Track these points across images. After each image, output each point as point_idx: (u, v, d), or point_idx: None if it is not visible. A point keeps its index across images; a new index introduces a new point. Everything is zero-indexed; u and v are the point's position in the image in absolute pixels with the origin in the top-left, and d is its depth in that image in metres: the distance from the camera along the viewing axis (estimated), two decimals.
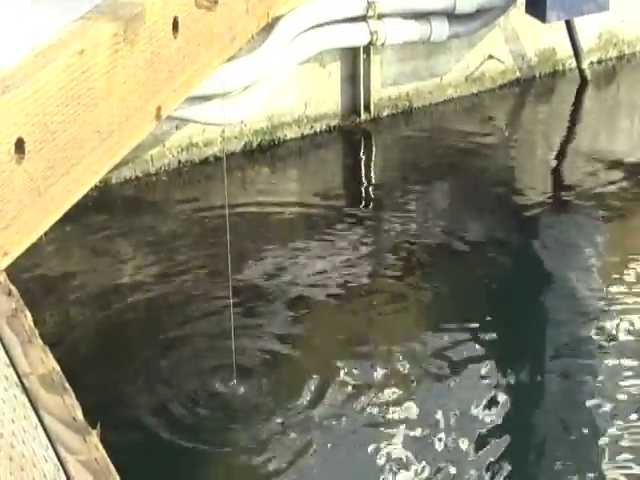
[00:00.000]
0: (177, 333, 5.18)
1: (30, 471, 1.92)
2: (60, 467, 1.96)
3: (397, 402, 4.68)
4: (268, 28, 5.96)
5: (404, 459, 4.39)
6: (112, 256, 5.81)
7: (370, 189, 6.59)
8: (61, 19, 3.95)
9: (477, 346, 5.04)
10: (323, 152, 6.88)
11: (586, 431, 4.53)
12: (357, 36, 6.64)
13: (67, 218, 3.49)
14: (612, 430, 4.51)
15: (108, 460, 2.00)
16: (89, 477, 1.94)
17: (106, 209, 6.15)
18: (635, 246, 5.82)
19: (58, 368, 2.16)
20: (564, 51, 7.54)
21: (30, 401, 2.08)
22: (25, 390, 2.10)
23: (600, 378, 4.83)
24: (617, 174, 6.49)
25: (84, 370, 4.70)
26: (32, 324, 2.29)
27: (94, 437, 2.02)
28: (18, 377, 2.14)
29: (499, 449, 4.44)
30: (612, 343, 5.03)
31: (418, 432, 4.53)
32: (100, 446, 2.02)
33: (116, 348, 5.08)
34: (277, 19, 6.06)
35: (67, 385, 2.11)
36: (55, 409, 2.05)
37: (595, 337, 5.09)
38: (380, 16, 6.64)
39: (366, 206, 6.38)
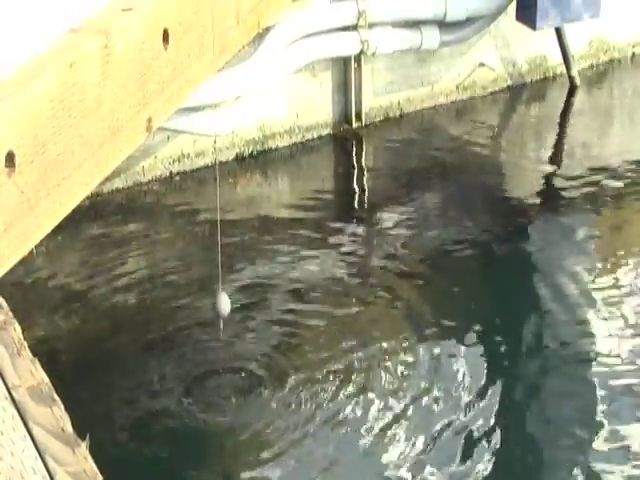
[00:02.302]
0: (166, 342, 5.19)
1: None
2: (49, 478, 1.97)
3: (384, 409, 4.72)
4: (259, 38, 5.98)
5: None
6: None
7: (362, 195, 6.61)
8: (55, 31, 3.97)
9: (470, 350, 5.07)
10: (314, 160, 6.90)
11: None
12: (348, 45, 6.67)
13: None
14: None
15: (97, 471, 2.01)
16: None
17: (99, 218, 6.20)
18: (627, 247, 5.83)
19: (47, 380, 2.17)
20: (555, 58, 7.56)
21: (19, 413, 2.09)
22: (14, 402, 2.11)
23: (589, 381, 4.86)
24: (608, 179, 6.52)
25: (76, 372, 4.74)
26: (21, 336, 2.31)
27: (83, 448, 2.03)
28: (7, 389, 2.15)
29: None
30: (602, 347, 5.06)
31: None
32: (89, 457, 2.03)
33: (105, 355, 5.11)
34: (268, 29, 6.08)
35: (56, 396, 2.12)
36: (44, 420, 2.06)
37: (588, 343, 5.12)
38: (371, 25, 6.66)
39: (359, 209, 6.44)
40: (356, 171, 6.88)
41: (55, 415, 2.07)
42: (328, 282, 5.62)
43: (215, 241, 4.85)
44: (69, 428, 2.07)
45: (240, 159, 6.73)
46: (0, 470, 1.94)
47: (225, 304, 4.65)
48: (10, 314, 2.40)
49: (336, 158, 7.04)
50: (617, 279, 5.51)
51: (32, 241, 3.44)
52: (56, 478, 1.94)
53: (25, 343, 2.28)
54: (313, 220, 6.21)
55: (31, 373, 2.19)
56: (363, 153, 6.99)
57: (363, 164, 6.93)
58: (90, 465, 1.98)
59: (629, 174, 6.56)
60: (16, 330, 2.32)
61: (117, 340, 5.23)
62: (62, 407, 2.10)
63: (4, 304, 2.44)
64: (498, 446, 4.49)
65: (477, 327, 5.22)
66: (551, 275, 5.65)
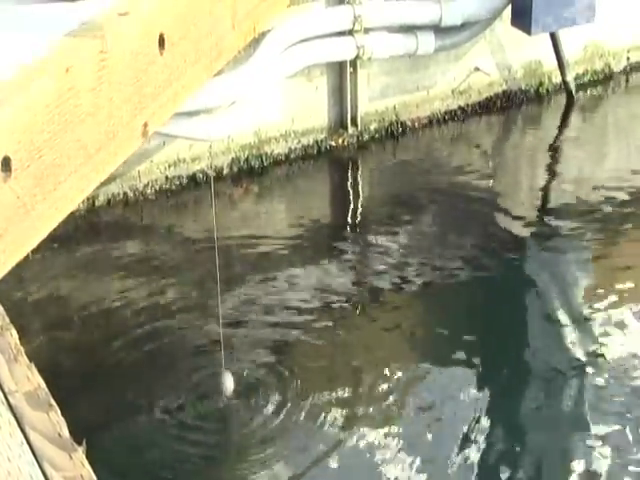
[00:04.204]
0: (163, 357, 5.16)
1: None
2: None
3: (378, 433, 4.69)
4: (255, 43, 5.98)
5: None
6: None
7: (358, 199, 6.62)
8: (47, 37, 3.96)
9: (459, 375, 5.05)
10: (310, 164, 6.90)
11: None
12: (344, 50, 6.67)
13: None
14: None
15: (94, 477, 2.01)
16: None
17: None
18: (622, 270, 5.78)
19: (44, 385, 2.17)
20: (550, 63, 7.57)
21: (16, 418, 2.09)
22: (11, 407, 2.11)
23: (582, 403, 4.85)
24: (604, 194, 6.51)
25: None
26: (18, 342, 2.31)
27: (80, 454, 2.03)
28: (4, 395, 2.14)
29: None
30: (596, 367, 5.04)
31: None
32: (86, 463, 2.03)
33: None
34: (263, 34, 6.09)
35: (53, 402, 2.12)
36: (41, 426, 2.06)
37: (578, 362, 5.09)
38: (367, 30, 6.67)
39: (353, 217, 6.46)
40: (351, 173, 6.89)
41: (52, 420, 2.07)
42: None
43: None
44: (66, 433, 2.06)
45: (236, 164, 6.74)
46: None
47: (229, 383, 4.77)
48: (7, 319, 2.40)
49: (331, 161, 7.05)
50: (611, 305, 5.46)
51: (28, 246, 3.43)
52: None
53: (22, 349, 2.28)
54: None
55: (28, 378, 2.18)
56: (359, 156, 6.99)
57: (359, 166, 6.93)
58: (87, 470, 1.98)
59: (627, 182, 6.61)
60: (12, 335, 2.32)
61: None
62: (59, 412, 2.10)
63: (1, 310, 2.44)
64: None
65: (468, 351, 5.19)
66: (545, 299, 5.62)
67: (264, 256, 5.98)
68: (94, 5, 4.31)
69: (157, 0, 4.41)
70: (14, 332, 2.34)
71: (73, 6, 4.31)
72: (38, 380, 2.19)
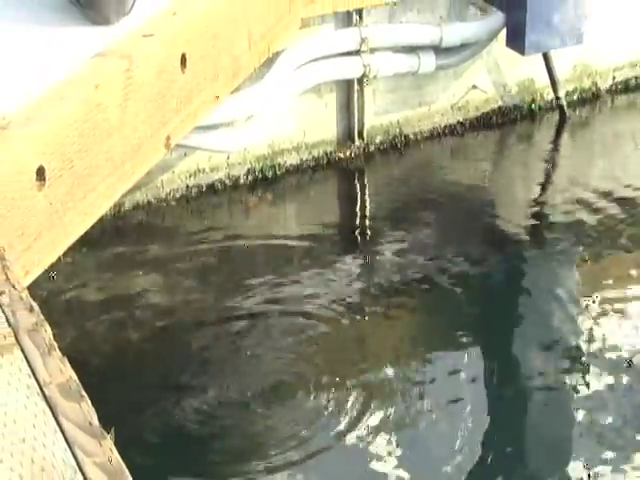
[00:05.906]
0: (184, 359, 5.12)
1: (50, 472, 1.95)
2: (77, 469, 1.98)
3: (377, 430, 4.62)
4: (269, 62, 6.00)
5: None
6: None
7: (363, 208, 6.63)
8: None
9: (456, 380, 4.99)
10: (320, 175, 6.92)
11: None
12: (351, 69, 6.69)
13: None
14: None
15: (122, 462, 2.02)
16: (104, 478, 1.96)
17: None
18: (611, 281, 5.72)
19: (75, 377, 2.18)
20: (542, 81, 7.58)
21: (50, 408, 2.11)
22: (45, 398, 2.13)
23: (576, 407, 4.81)
24: (596, 206, 6.47)
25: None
26: (52, 337, 2.32)
27: (109, 441, 2.04)
28: (39, 386, 2.16)
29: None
30: (589, 374, 4.99)
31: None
32: (114, 449, 2.04)
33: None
34: (277, 54, 6.11)
35: (83, 392, 2.14)
36: (73, 415, 2.08)
37: (570, 368, 5.04)
38: (372, 50, 6.70)
39: (360, 227, 6.45)
40: (358, 183, 6.91)
41: (83, 410, 2.09)
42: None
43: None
44: (96, 422, 2.08)
45: (251, 174, 6.75)
46: (34, 460, 1.95)
47: None
48: (41, 316, 2.42)
49: (340, 171, 7.06)
50: (601, 313, 5.42)
51: (59, 249, 3.46)
52: (84, 468, 1.96)
53: (55, 343, 2.29)
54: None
55: (60, 371, 2.20)
56: (365, 166, 7.01)
57: (365, 177, 6.94)
58: (115, 456, 2.00)
59: (616, 190, 6.60)
60: (47, 331, 2.34)
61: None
62: (89, 402, 2.11)
63: (36, 307, 2.46)
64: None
65: (467, 356, 5.15)
66: (539, 306, 5.56)
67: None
68: (121, 28, 4.34)
69: (179, 22, 4.44)
70: (48, 328, 2.36)
71: (102, 29, 4.34)
72: (70, 372, 2.20)
